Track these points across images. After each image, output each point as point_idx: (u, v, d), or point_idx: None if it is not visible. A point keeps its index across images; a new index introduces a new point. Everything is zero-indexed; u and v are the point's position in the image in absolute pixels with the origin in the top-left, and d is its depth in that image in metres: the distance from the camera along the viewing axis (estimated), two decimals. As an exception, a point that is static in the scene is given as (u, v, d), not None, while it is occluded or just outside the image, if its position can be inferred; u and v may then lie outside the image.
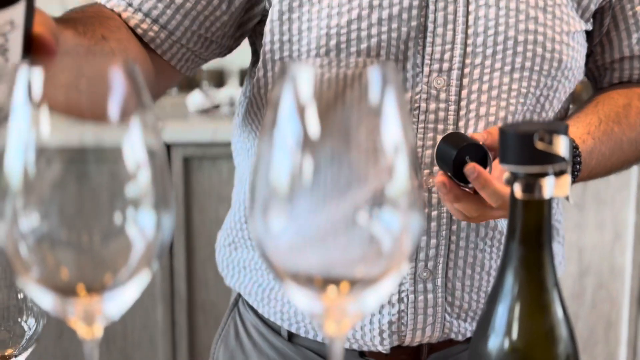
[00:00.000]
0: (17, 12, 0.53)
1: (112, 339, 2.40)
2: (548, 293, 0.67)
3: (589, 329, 2.53)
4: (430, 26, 0.87)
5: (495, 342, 0.68)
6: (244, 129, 1.03)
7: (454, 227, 0.92)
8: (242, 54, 1.12)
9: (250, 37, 1.02)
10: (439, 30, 0.87)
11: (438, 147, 0.83)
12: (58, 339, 2.36)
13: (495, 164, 0.82)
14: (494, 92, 0.89)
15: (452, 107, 0.89)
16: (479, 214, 0.82)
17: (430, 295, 0.93)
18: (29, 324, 0.87)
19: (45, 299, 0.48)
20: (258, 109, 0.97)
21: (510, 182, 0.67)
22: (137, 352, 2.42)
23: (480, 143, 0.81)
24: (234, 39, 0.99)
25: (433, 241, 0.92)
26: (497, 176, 0.81)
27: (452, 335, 0.97)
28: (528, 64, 0.90)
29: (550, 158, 0.65)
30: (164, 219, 0.49)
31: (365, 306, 0.49)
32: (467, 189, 0.82)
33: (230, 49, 1.00)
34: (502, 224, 0.97)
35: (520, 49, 0.89)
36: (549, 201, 0.67)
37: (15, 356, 0.87)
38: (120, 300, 0.49)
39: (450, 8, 0.87)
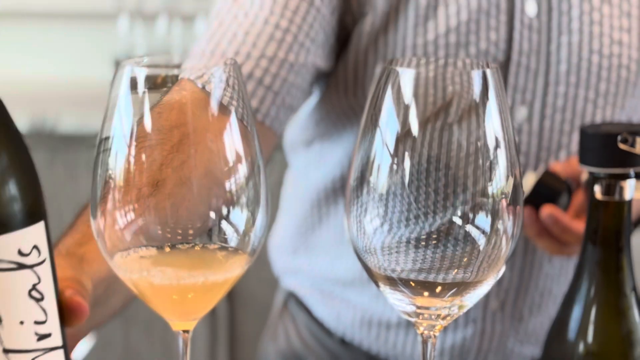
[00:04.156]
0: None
1: (153, 328, 2.42)
2: (626, 297, 0.66)
3: None
4: (515, 57, 0.85)
5: (570, 345, 0.67)
6: (310, 124, 0.98)
7: (529, 258, 0.90)
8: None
9: None
10: (523, 60, 0.85)
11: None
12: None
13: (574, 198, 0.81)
14: (578, 121, 0.87)
15: (534, 141, 0.87)
16: (558, 250, 0.81)
17: (497, 323, 0.92)
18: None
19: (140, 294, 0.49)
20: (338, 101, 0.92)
21: (590, 183, 0.66)
22: (177, 342, 2.43)
23: (563, 179, 0.79)
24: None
25: (507, 273, 0.90)
26: (575, 209, 0.79)
27: None
28: (613, 89, 0.87)
29: (632, 160, 0.64)
30: (257, 217, 0.49)
31: (459, 309, 0.49)
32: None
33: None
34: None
35: (605, 74, 0.86)
36: (629, 203, 0.66)
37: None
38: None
39: (535, 38, 0.85)
